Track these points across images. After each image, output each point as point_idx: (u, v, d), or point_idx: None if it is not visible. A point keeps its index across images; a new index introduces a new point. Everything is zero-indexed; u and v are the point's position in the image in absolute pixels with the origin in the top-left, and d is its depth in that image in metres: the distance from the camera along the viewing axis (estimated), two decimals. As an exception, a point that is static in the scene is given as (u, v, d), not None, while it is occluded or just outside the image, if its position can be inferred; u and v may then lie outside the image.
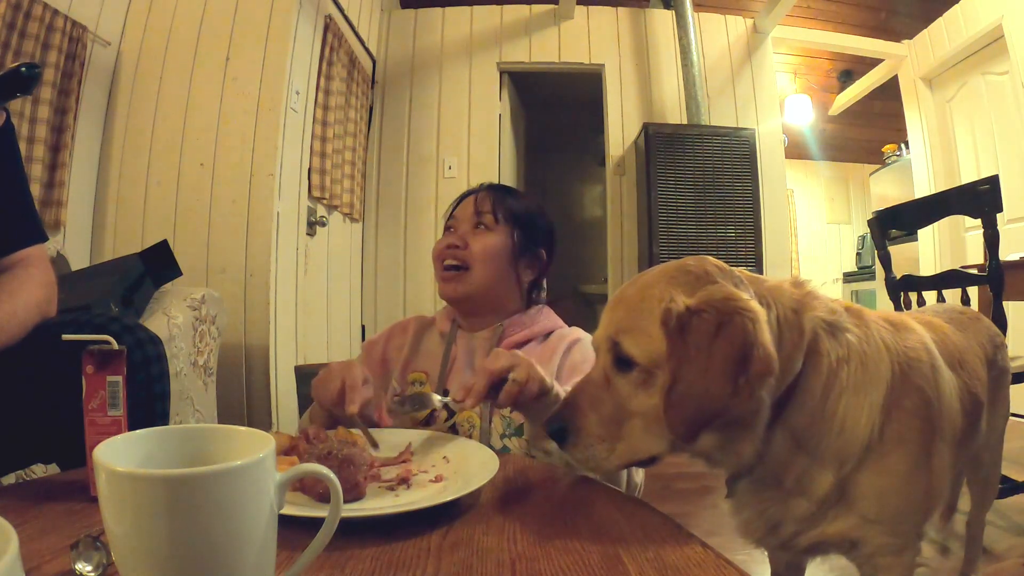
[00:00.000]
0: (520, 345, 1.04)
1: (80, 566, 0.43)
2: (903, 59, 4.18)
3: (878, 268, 2.45)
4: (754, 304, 0.59)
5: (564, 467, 0.78)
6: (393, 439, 0.79)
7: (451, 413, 0.98)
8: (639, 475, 0.92)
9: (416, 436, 0.81)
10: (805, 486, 0.65)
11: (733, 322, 0.56)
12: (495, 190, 1.11)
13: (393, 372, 1.09)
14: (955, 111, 3.91)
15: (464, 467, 0.69)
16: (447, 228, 1.11)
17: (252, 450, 0.36)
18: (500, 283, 1.06)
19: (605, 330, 0.64)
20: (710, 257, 0.66)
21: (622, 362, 0.62)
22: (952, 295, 1.98)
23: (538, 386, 0.77)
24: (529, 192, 1.33)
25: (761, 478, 0.66)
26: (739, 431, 0.61)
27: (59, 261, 2.07)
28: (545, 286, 1.16)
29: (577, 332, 1.07)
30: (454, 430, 0.96)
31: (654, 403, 0.60)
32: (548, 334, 1.07)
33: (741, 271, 0.67)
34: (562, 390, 0.81)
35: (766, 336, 0.57)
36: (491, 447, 0.83)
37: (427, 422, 0.97)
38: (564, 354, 1.01)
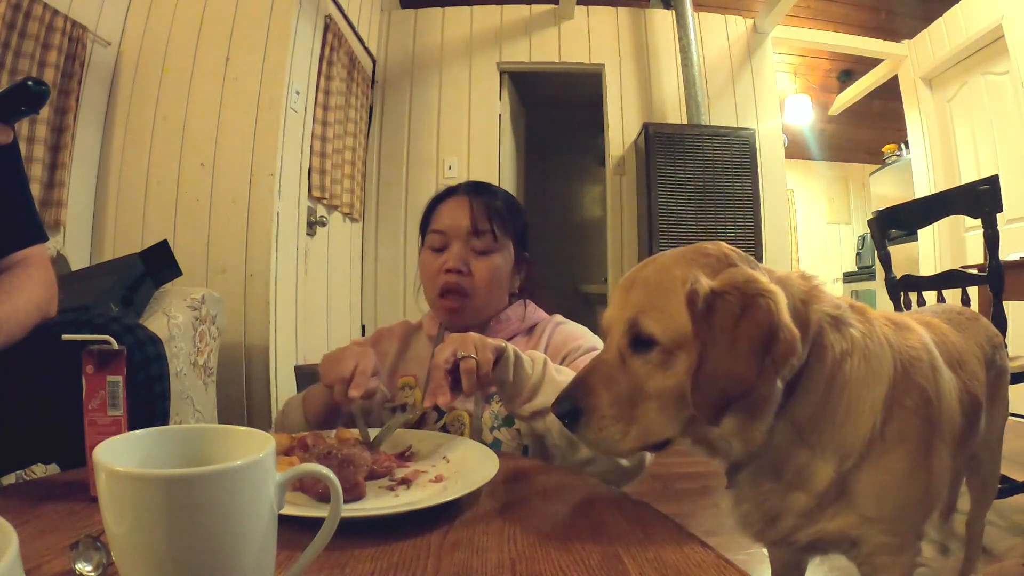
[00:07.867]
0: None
1: (80, 566, 0.43)
2: (903, 59, 4.18)
3: (878, 268, 2.44)
4: (774, 286, 0.59)
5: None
6: (393, 439, 0.79)
7: (441, 414, 0.97)
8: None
9: (416, 436, 0.81)
10: (805, 479, 0.65)
11: (757, 304, 0.57)
12: (486, 203, 1.05)
13: (378, 376, 1.07)
14: (955, 111, 3.91)
15: (464, 467, 0.69)
16: (434, 231, 1.05)
17: (252, 450, 0.36)
18: (500, 301, 1.07)
19: (621, 311, 0.62)
20: (723, 242, 0.66)
21: (640, 342, 0.60)
22: (952, 295, 1.98)
23: (491, 351, 0.76)
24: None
25: (761, 469, 0.66)
26: (754, 416, 0.60)
27: (59, 261, 2.07)
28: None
29: (557, 317, 1.08)
30: (445, 430, 0.95)
31: (672, 384, 0.59)
32: (531, 328, 1.08)
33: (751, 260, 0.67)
34: (514, 347, 0.80)
35: (788, 317, 0.57)
36: (483, 442, 0.82)
37: (419, 425, 0.97)
38: (547, 341, 1.03)
